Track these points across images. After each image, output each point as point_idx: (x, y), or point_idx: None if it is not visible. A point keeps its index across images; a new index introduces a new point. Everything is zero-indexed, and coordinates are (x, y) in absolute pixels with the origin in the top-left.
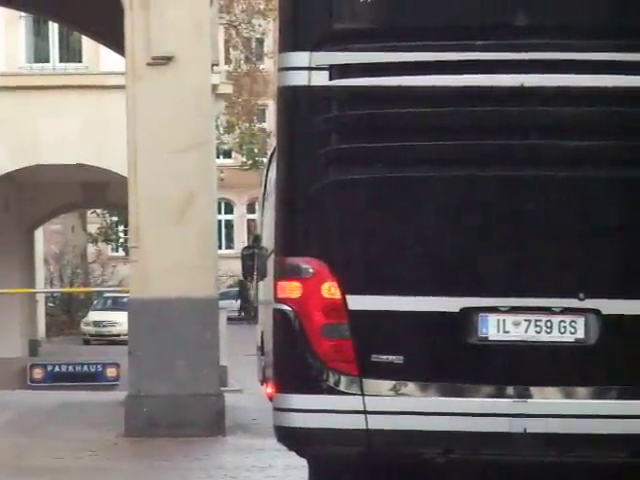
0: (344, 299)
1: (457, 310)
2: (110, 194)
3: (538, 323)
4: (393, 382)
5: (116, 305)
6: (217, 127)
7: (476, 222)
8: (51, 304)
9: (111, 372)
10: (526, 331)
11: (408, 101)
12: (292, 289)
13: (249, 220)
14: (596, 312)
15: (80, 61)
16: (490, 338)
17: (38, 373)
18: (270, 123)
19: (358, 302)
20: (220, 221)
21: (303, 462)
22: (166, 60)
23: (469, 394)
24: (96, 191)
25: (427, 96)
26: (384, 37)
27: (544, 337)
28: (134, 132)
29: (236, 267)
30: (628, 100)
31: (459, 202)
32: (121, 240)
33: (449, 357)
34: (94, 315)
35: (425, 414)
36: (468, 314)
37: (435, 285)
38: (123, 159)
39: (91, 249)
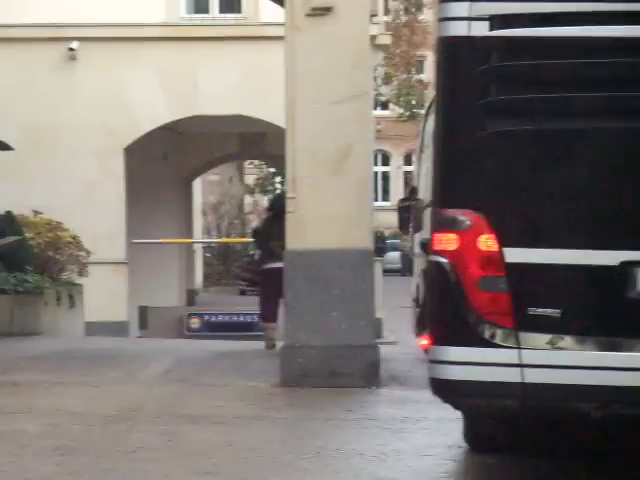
0: (501, 251)
1: (616, 264)
2: (267, 145)
3: None
4: (550, 335)
5: None
6: (375, 78)
7: (637, 174)
8: (208, 254)
9: None
10: None
11: (570, 52)
12: (449, 241)
13: (405, 172)
14: None
15: (239, 12)
16: None
17: (195, 322)
18: (428, 74)
19: (515, 255)
20: (376, 173)
21: (457, 414)
22: (325, 11)
23: (628, 348)
24: (253, 142)
25: (589, 47)
26: None
27: None
28: (292, 83)
29: (392, 219)
30: None
31: (620, 154)
32: (277, 191)
33: (607, 311)
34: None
35: (582, 368)
36: (628, 268)
37: (594, 238)
38: (281, 110)
39: (248, 200)
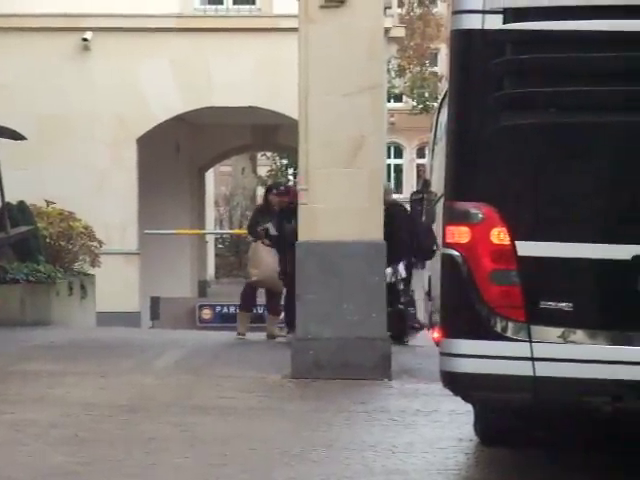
0: (513, 245)
1: (629, 258)
2: (280, 137)
3: None
4: (562, 329)
5: None
6: (388, 71)
7: None
8: (220, 246)
9: None
10: None
11: (583, 45)
12: (461, 234)
13: (418, 164)
14: None
15: (253, 3)
16: None
17: (207, 314)
18: (442, 67)
19: (527, 248)
20: (389, 165)
21: (468, 407)
22: (339, 3)
23: (639, 342)
24: (266, 133)
25: (601, 40)
26: None
27: None
28: (305, 75)
29: None
30: None
31: (632, 148)
32: (290, 183)
33: (620, 305)
34: None
35: (594, 362)
36: None
37: (606, 232)
38: (294, 102)
39: (260, 191)
